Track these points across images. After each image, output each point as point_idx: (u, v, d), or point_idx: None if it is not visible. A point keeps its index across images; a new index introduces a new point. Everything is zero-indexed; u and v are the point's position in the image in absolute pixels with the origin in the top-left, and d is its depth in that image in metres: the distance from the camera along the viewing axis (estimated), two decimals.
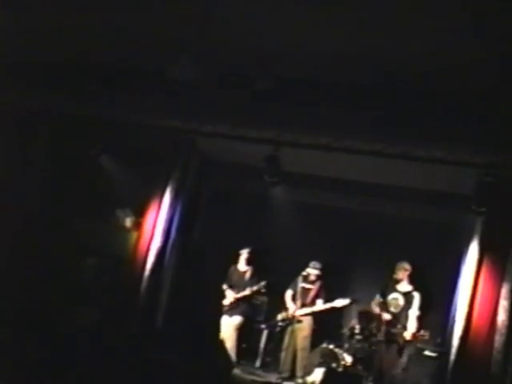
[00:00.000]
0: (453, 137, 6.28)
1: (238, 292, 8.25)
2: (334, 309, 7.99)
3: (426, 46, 5.52)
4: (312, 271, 8.13)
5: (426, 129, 6.38)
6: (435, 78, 6.00)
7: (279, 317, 8.19)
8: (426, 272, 7.70)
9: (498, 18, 4.77)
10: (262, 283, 8.13)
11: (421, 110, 6.36)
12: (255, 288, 8.14)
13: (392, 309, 7.49)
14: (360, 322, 7.88)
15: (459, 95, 6.12)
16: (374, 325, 7.65)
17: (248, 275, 8.37)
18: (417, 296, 7.42)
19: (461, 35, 5.18)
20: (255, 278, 8.32)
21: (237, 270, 8.48)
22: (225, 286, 8.38)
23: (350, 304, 7.91)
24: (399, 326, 7.27)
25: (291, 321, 8.06)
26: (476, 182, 6.51)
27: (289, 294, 8.30)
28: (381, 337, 7.37)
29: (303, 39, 5.88)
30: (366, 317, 7.89)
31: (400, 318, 7.35)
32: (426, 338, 7.16)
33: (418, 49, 5.57)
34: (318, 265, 8.14)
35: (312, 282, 8.16)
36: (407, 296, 7.46)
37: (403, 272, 7.54)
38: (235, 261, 8.49)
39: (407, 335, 7.16)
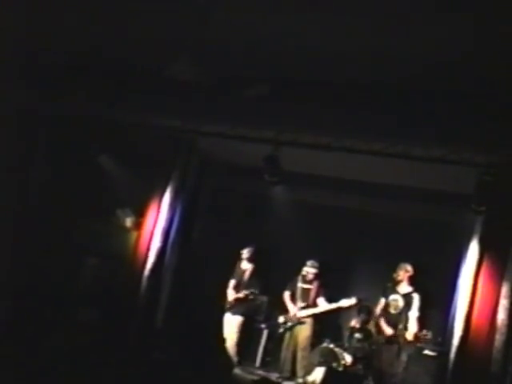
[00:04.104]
0: (453, 136, 6.28)
1: (238, 290, 8.28)
2: (339, 309, 7.99)
3: (426, 46, 5.52)
4: (309, 270, 8.13)
5: (425, 128, 6.39)
6: (435, 78, 6.00)
7: (281, 319, 8.19)
8: (426, 272, 7.70)
9: (498, 18, 4.78)
10: (253, 290, 8.14)
11: (421, 110, 6.36)
12: (247, 292, 8.15)
13: (392, 310, 7.50)
14: (360, 317, 7.90)
15: (459, 95, 6.13)
16: (373, 326, 7.69)
17: (247, 274, 8.39)
18: (416, 297, 7.42)
19: (461, 35, 5.18)
20: (253, 278, 8.34)
21: (240, 267, 8.50)
22: (231, 282, 8.41)
23: (356, 304, 7.89)
24: (400, 327, 7.28)
25: (294, 322, 8.07)
26: (476, 182, 6.50)
27: (287, 294, 8.30)
28: (381, 340, 7.39)
29: (303, 39, 5.88)
30: (366, 312, 7.92)
31: (400, 319, 7.36)
32: (429, 337, 7.16)
33: (418, 49, 5.57)
34: (315, 263, 8.13)
35: (310, 282, 8.16)
36: (406, 297, 7.46)
37: (404, 273, 7.54)
38: (240, 258, 8.53)
39: (409, 336, 7.16)
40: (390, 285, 7.62)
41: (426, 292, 7.57)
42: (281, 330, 8.18)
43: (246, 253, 8.43)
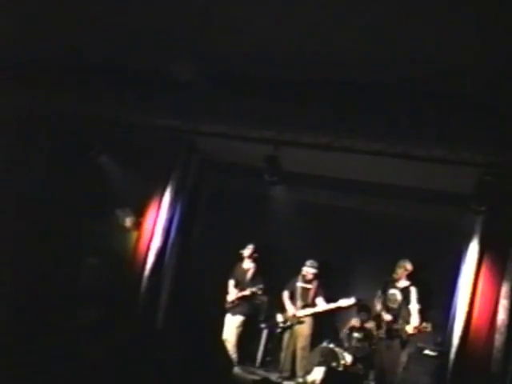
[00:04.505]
0: (453, 136, 6.28)
1: (240, 289, 8.27)
2: (339, 309, 8.00)
3: (426, 46, 5.52)
4: (309, 270, 8.14)
5: (425, 128, 6.39)
6: (435, 78, 6.00)
7: (279, 318, 8.19)
8: (425, 271, 7.71)
9: (498, 17, 4.78)
10: (260, 286, 8.13)
11: (421, 110, 6.37)
12: (254, 289, 8.14)
13: (391, 304, 7.55)
14: (360, 317, 7.91)
15: (459, 95, 6.13)
16: (373, 323, 7.71)
17: (250, 273, 8.39)
18: (413, 290, 7.47)
19: (461, 35, 5.18)
20: (257, 277, 8.33)
21: (241, 267, 8.50)
22: (231, 282, 8.40)
23: (355, 304, 7.90)
24: (400, 322, 7.31)
25: (293, 322, 8.07)
26: (476, 182, 6.51)
27: (286, 294, 8.30)
28: (382, 334, 7.41)
29: (303, 39, 5.89)
30: (365, 311, 7.93)
31: (400, 313, 7.39)
32: (429, 329, 7.18)
33: (418, 49, 5.58)
34: (314, 263, 8.14)
35: (309, 281, 8.16)
36: (404, 291, 7.52)
37: (403, 271, 7.58)
38: (241, 258, 8.51)
39: (409, 329, 7.19)
40: (388, 279, 7.65)
41: (426, 292, 7.58)
42: (279, 329, 8.18)
43: (248, 251, 8.43)
